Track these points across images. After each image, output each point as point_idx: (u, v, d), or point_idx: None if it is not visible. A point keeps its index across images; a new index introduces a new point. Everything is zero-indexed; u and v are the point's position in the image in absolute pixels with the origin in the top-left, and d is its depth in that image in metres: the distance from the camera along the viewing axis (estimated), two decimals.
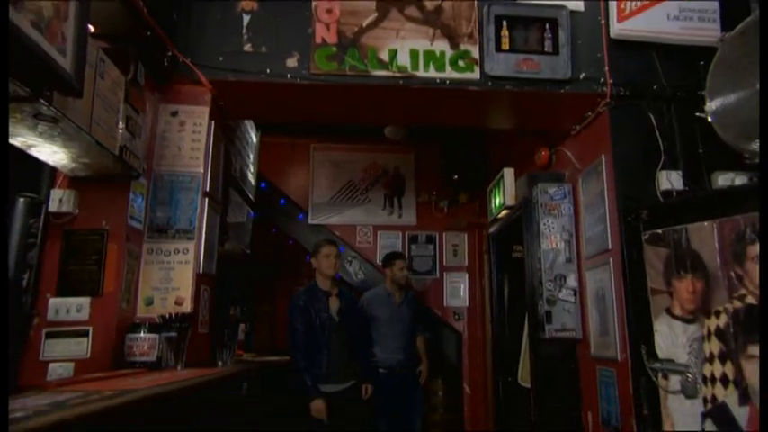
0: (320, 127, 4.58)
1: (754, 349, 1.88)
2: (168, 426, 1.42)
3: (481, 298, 4.71)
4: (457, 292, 4.86)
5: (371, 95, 2.61)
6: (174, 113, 2.46)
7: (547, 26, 2.53)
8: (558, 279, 2.94)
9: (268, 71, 2.42)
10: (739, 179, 2.23)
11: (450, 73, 2.50)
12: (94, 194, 2.14)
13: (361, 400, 3.24)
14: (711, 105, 2.14)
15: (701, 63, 2.31)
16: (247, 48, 2.45)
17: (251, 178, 3.82)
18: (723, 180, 2.29)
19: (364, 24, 2.48)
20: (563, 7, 2.57)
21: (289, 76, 2.44)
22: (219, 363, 2.41)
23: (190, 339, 2.15)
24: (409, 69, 2.48)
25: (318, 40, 2.45)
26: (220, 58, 2.42)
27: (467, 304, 4.84)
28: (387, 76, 2.48)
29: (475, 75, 2.52)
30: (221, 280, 2.77)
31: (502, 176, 3.56)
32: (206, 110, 2.47)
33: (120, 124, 1.97)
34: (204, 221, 2.40)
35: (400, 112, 3.00)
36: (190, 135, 2.43)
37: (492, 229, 4.06)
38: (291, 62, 2.45)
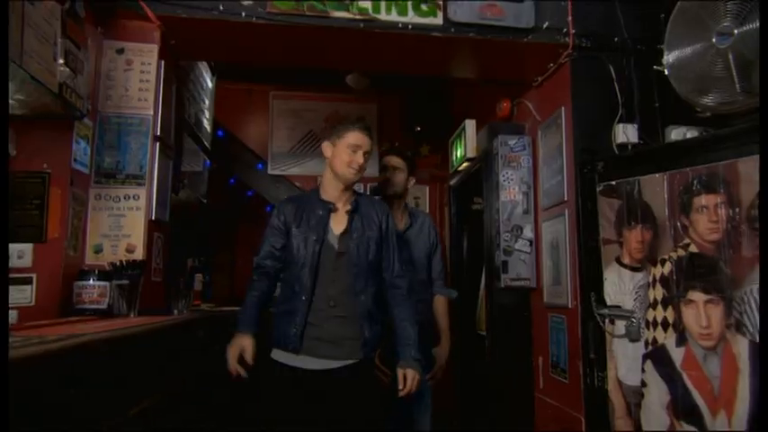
0: (280, 73, 4.42)
1: (693, 294, 1.98)
2: (121, 372, 1.39)
3: (442, 250, 4.77)
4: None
5: (332, 38, 2.51)
6: (120, 51, 2.31)
7: None
8: (514, 230, 3.00)
9: (221, 8, 2.28)
10: (691, 133, 2.28)
11: (412, 17, 2.42)
12: (34, 135, 2.00)
13: (372, 388, 1.96)
14: (668, 58, 2.16)
15: (662, 15, 2.31)
16: None
17: (207, 125, 3.67)
18: (676, 134, 2.33)
19: None
20: None
21: (244, 14, 2.30)
22: (175, 311, 2.37)
23: (143, 287, 2.10)
24: (370, 12, 2.39)
25: None
26: None
27: None
28: (347, 17, 2.38)
29: (438, 20, 2.45)
30: (176, 228, 2.70)
31: (464, 128, 3.55)
32: (155, 48, 2.33)
33: (60, 60, 1.83)
34: (156, 167, 2.30)
35: (362, 58, 2.90)
36: (138, 75, 2.29)
37: (453, 182, 4.08)
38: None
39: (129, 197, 2.25)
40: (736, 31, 1.87)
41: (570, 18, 2.56)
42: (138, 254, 2.22)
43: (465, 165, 3.68)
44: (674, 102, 2.24)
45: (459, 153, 3.71)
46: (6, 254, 1.81)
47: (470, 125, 3.51)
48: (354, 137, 1.97)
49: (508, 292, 3.03)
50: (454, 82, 4.10)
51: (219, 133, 4.40)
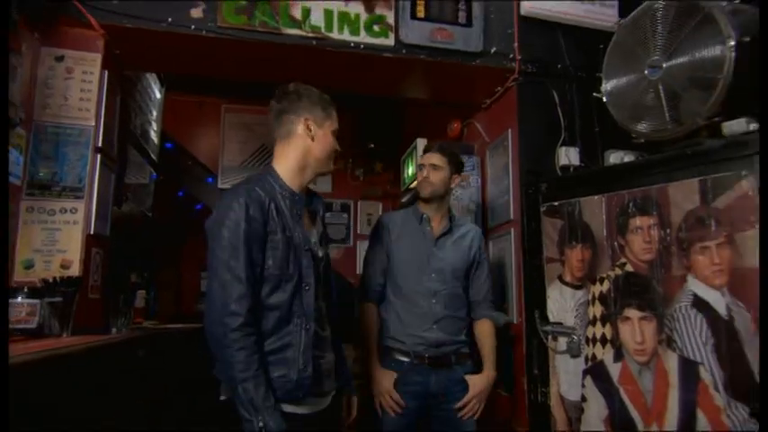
0: (232, 86, 4.35)
1: (629, 312, 2.07)
2: (48, 396, 1.32)
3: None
4: None
5: (284, 54, 2.50)
6: (60, 58, 2.21)
7: None
8: None
9: (170, 20, 2.24)
10: (628, 157, 2.39)
11: (364, 37, 2.45)
12: None
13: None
14: (606, 86, 2.28)
15: (601, 46, 2.44)
16: None
17: (154, 137, 3.57)
18: (614, 158, 2.44)
19: None
20: None
21: (193, 27, 2.27)
22: (113, 330, 2.27)
23: (78, 305, 2.00)
24: (323, 30, 2.41)
25: None
26: (114, 1, 2.20)
27: None
28: (299, 35, 2.39)
29: (389, 41, 2.49)
30: (118, 243, 2.59)
31: (415, 146, 3.60)
32: (98, 57, 2.25)
33: None
34: (96, 179, 2.21)
35: (314, 75, 2.89)
36: (79, 84, 2.20)
37: (405, 199, 4.11)
38: (196, 12, 2.28)
39: (65, 210, 2.15)
40: (664, 65, 2.00)
41: (516, 44, 2.66)
42: (75, 270, 2.11)
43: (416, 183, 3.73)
44: (612, 127, 2.36)
45: (410, 171, 3.76)
46: (6, 254, 1.75)
47: (421, 144, 3.57)
48: (337, 119, 1.70)
49: None
50: (407, 101, 4.16)
51: (168, 145, 4.29)
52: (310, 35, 2.40)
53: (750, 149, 1.71)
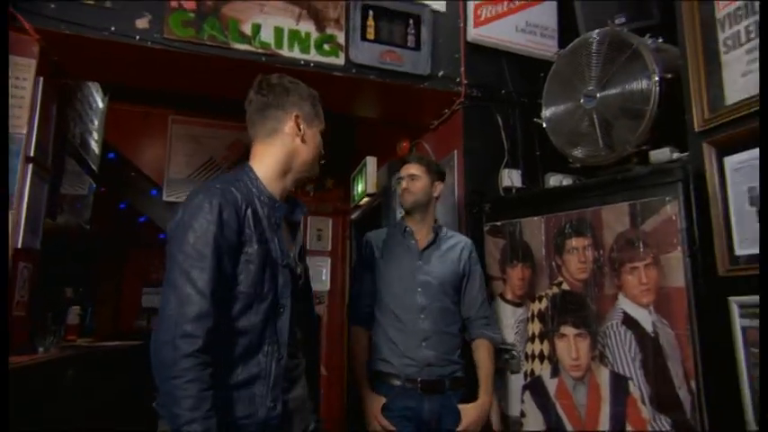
0: (181, 97, 4.26)
1: (565, 329, 2.15)
2: None
3: (342, 282, 4.80)
4: (319, 275, 4.88)
5: (232, 69, 2.48)
6: None
7: (411, 22, 2.63)
8: None
9: (113, 29, 2.18)
10: (566, 180, 2.50)
11: (314, 55, 2.48)
12: None
13: None
14: (546, 113, 2.39)
15: (542, 74, 2.56)
16: None
17: (95, 146, 3.44)
18: (554, 180, 2.55)
19: None
20: (426, 6, 2.69)
21: (138, 37, 2.22)
22: (40, 349, 2.16)
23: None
24: (273, 47, 2.41)
25: (174, 4, 2.27)
26: (52, 6, 2.12)
27: (328, 288, 4.89)
28: (249, 50, 2.38)
29: (340, 60, 2.52)
30: (50, 257, 2.47)
31: (365, 164, 3.64)
32: (32, 63, 2.16)
33: None
34: (26, 190, 2.11)
35: None
36: (10, 90, 2.11)
37: (354, 215, 4.14)
38: (142, 23, 2.23)
39: None
40: (598, 95, 2.12)
41: (463, 69, 2.76)
42: None
43: (366, 200, 3.76)
44: (552, 151, 2.46)
45: (360, 188, 3.79)
46: (6, 255, 1.66)
47: (371, 162, 3.62)
48: (323, 122, 1.54)
49: None
50: (357, 119, 4.20)
51: (111, 156, 4.14)
52: (260, 51, 2.40)
53: (673, 177, 1.83)
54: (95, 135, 3.44)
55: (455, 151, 2.83)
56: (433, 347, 2.05)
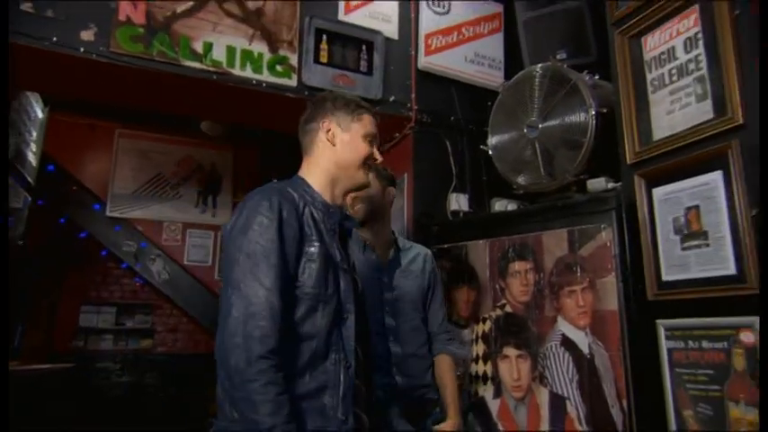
0: (129, 111, 4.16)
1: (508, 350, 2.20)
2: None
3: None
4: None
5: (182, 86, 2.46)
6: None
7: (363, 47, 2.69)
8: None
9: (55, 39, 2.12)
10: (511, 206, 2.59)
11: (267, 76, 2.49)
12: None
13: None
14: (492, 140, 2.48)
15: (489, 103, 2.67)
16: (26, 6, 2.09)
17: (32, 158, 3.30)
18: (499, 205, 2.63)
19: (178, 10, 2.33)
20: (379, 33, 2.75)
21: (82, 49, 2.17)
22: None
23: None
24: (225, 65, 2.41)
25: (122, 17, 2.23)
26: None
27: None
28: (199, 68, 2.37)
29: (292, 82, 2.54)
30: None
31: None
32: None
33: None
34: None
35: (214, 108, 2.88)
36: None
37: None
38: (87, 35, 2.18)
39: None
40: (540, 126, 2.23)
41: (414, 95, 2.83)
42: None
43: None
44: (497, 177, 2.55)
45: None
46: (7, 256, 1.60)
47: None
48: (371, 123, 1.45)
49: None
50: None
51: (50, 168, 3.97)
52: (211, 69, 2.38)
53: (608, 205, 1.94)
54: (33, 147, 3.30)
55: (405, 174, 2.89)
56: (404, 373, 1.86)
